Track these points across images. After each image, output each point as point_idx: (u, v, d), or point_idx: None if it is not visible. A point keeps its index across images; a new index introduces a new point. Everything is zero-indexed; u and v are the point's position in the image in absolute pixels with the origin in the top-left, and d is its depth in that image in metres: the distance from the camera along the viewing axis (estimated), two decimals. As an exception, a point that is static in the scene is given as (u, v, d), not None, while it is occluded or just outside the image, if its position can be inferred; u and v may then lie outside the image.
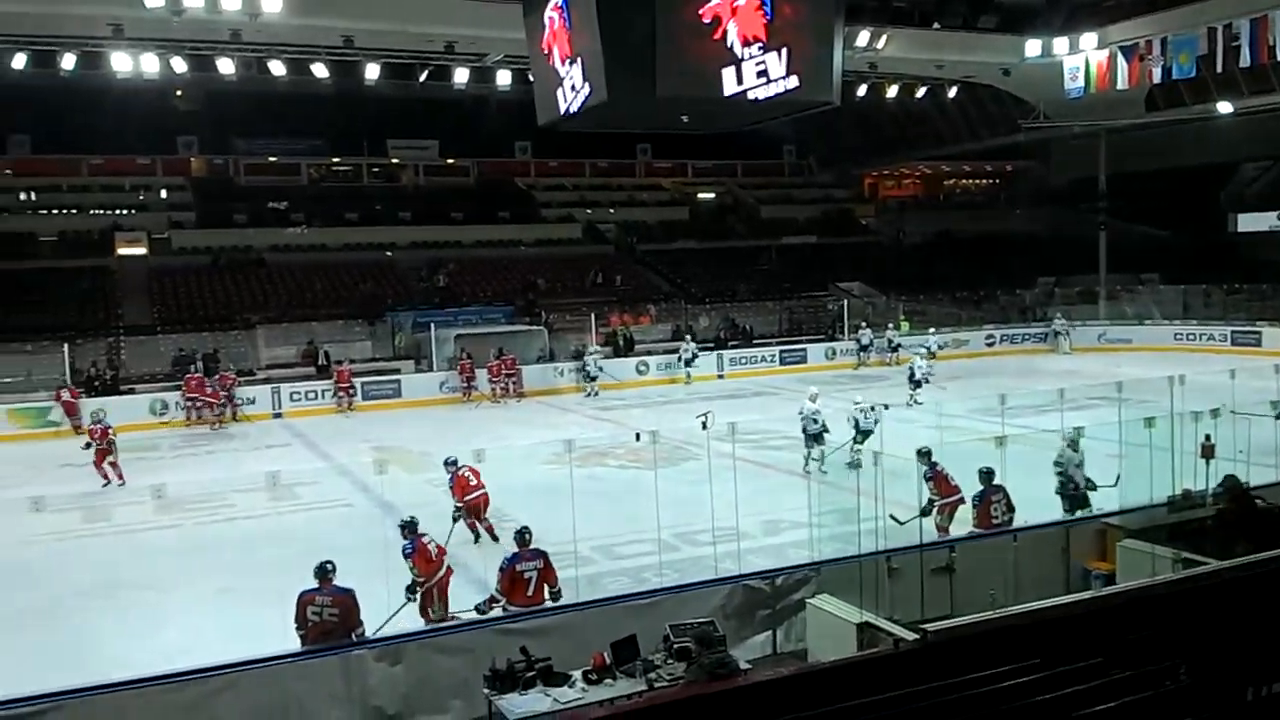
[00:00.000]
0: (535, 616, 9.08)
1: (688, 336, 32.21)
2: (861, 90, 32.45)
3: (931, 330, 32.52)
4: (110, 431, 18.86)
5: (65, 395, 25.21)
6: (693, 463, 15.11)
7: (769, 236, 44.88)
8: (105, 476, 18.55)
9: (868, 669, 6.81)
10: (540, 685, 7.47)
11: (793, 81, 7.89)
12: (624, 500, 14.77)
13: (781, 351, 33.65)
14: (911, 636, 7.35)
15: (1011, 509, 11.29)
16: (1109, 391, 16.99)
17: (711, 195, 49.59)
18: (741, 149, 45.81)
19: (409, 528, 10.41)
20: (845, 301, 36.14)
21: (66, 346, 26.59)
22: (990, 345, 35.48)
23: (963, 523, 11.75)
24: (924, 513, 11.82)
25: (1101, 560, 10.49)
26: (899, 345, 32.40)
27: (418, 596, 10.02)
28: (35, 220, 38.07)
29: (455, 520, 12.98)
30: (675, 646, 7.70)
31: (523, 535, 9.66)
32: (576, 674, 7.60)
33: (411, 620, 9.67)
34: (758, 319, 36.67)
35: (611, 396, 28.62)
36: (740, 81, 7.87)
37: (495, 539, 13.13)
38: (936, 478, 12.22)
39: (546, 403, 27.35)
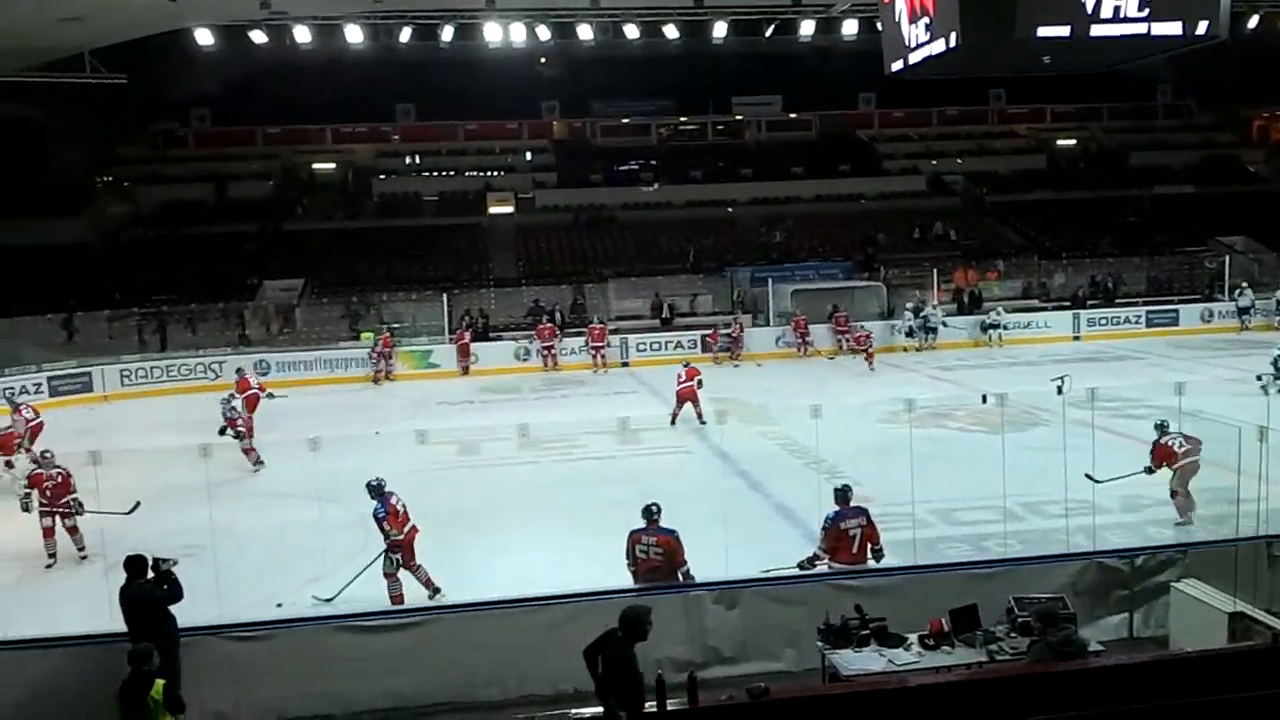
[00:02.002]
0: (870, 575, 9.01)
1: (1001, 308, 30.31)
2: (1253, 21, 28.60)
3: None
4: (240, 415, 17.34)
5: (466, 337, 28.22)
6: (1043, 429, 14.28)
7: (1138, 186, 41.02)
8: (255, 462, 16.92)
9: (1240, 662, 6.25)
10: (874, 644, 7.44)
11: (1175, 14, 7.14)
12: (965, 464, 14.31)
13: (1149, 312, 30.94)
14: (1295, 632, 6.66)
15: None
16: None
17: (1073, 141, 46.14)
18: (1108, 90, 42.05)
19: (376, 490, 10.38)
20: (1227, 258, 32.52)
21: (445, 296, 29.49)
22: (1407, 309, 30.60)
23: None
24: (1148, 470, 11.41)
25: None
26: (1292, 308, 28.77)
27: (399, 556, 10.23)
28: (419, 182, 42.54)
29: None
30: (1019, 620, 7.41)
31: (845, 492, 9.53)
32: (912, 637, 7.49)
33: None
34: (1121, 276, 33.85)
35: (951, 356, 27.64)
36: (1113, 16, 7.22)
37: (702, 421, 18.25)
38: (1157, 450, 11.48)
39: (885, 360, 26.84)
